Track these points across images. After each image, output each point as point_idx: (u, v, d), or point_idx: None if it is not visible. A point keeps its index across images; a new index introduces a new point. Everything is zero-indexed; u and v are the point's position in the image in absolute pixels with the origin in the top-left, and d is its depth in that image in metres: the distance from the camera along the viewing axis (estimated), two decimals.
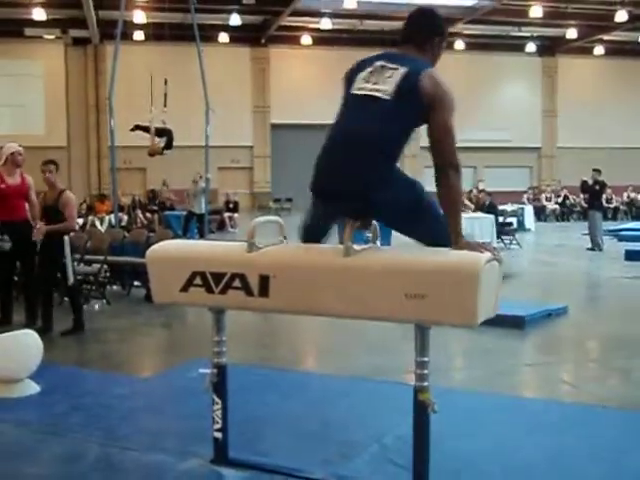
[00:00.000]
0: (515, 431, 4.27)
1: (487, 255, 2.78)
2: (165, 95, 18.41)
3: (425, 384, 2.88)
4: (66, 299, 7.90)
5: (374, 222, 3.12)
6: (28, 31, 25.83)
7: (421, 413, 2.88)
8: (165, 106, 20.03)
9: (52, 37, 26.86)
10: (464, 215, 14.46)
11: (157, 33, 24.94)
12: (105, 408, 4.73)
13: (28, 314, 7.42)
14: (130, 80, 21.62)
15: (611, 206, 25.17)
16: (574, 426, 4.40)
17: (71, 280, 7.25)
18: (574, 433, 4.26)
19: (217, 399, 3.41)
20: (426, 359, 2.90)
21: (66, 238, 7.20)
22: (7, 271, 7.64)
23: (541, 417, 4.57)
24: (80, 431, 4.27)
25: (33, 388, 5.08)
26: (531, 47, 29.61)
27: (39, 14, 23.53)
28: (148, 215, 20.81)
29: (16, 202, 7.39)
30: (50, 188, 7.28)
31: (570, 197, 26.46)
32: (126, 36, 19.46)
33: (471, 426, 4.31)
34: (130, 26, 22.55)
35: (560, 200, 26.56)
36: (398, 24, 19.86)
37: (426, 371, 2.89)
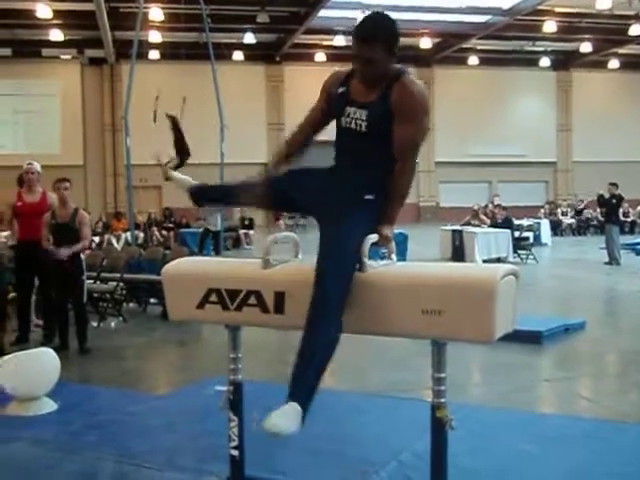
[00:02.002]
0: (533, 447, 4.22)
1: (504, 270, 2.76)
2: (181, 111, 18.54)
3: (442, 400, 2.86)
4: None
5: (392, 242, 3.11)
6: (45, 51, 26.15)
7: (439, 430, 2.86)
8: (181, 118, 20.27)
9: (69, 57, 27.17)
10: (480, 230, 14.35)
11: (172, 52, 25.17)
12: (121, 425, 4.73)
13: (46, 332, 7.45)
14: (146, 98, 21.76)
15: (628, 220, 25.02)
16: (593, 441, 4.35)
17: (85, 298, 7.30)
18: (593, 448, 4.21)
19: (233, 416, 3.40)
20: (443, 375, 2.87)
21: (82, 257, 7.26)
22: (25, 290, 7.69)
23: (559, 432, 4.52)
24: (96, 449, 4.27)
25: (50, 406, 5.09)
26: (545, 61, 29.60)
27: (56, 35, 23.82)
28: (164, 232, 20.89)
29: (34, 221, 7.41)
30: (62, 206, 7.28)
31: (587, 211, 26.31)
32: (142, 55, 19.65)
33: (489, 442, 4.27)
34: (145, 45, 22.75)
35: (581, 207, 26.36)
36: (410, 40, 20.08)
37: (443, 387, 2.87)
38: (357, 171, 3.07)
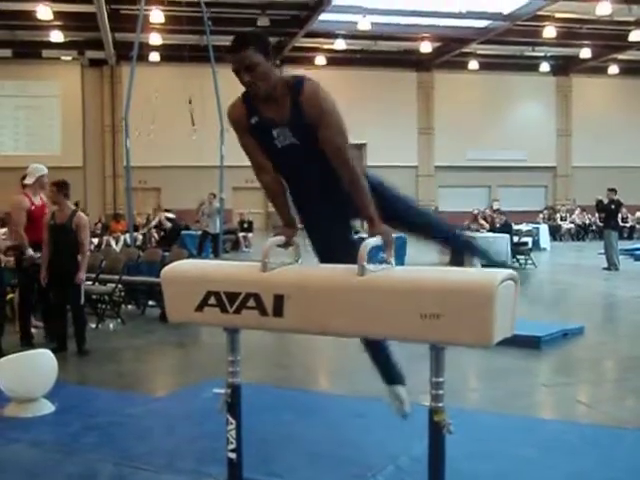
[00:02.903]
0: (531, 452, 4.22)
1: (503, 274, 2.77)
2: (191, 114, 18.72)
3: (440, 405, 2.86)
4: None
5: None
6: (46, 53, 26.15)
7: (436, 434, 2.86)
8: (193, 125, 20.40)
9: (69, 58, 27.18)
10: (479, 234, 14.36)
11: (173, 54, 25.19)
12: (119, 428, 4.73)
13: (46, 334, 7.49)
14: (146, 100, 21.80)
15: (627, 225, 25.03)
16: (591, 447, 4.36)
17: (82, 300, 7.29)
18: (591, 454, 4.21)
19: (231, 419, 3.40)
20: (441, 379, 2.88)
21: (79, 259, 7.26)
22: (26, 291, 7.71)
23: (557, 438, 4.52)
24: (94, 451, 4.27)
25: (48, 407, 5.09)
26: (545, 67, 29.63)
27: (57, 36, 23.83)
28: (162, 234, 20.87)
29: (39, 224, 7.52)
30: (60, 208, 7.32)
31: (585, 216, 26.33)
32: (142, 57, 19.64)
33: (487, 447, 4.27)
34: (146, 48, 22.76)
35: (579, 211, 26.39)
36: (411, 45, 20.12)
37: (441, 392, 2.87)
38: (316, 179, 3.26)
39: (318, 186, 3.27)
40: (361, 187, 3.15)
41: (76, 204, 9.17)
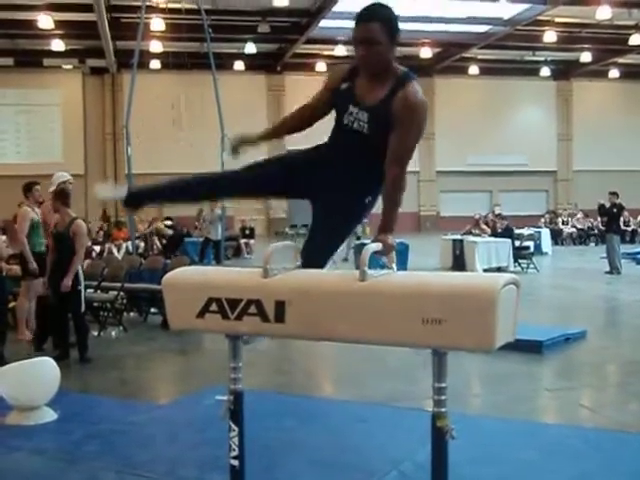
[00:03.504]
0: (534, 456, 4.22)
1: (504, 279, 2.76)
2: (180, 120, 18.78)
3: (443, 410, 2.85)
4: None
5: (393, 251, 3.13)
6: (47, 61, 26.23)
7: (439, 439, 2.85)
8: (180, 128, 20.41)
9: (70, 67, 27.26)
10: (480, 239, 14.34)
11: (173, 62, 25.25)
12: (122, 435, 4.73)
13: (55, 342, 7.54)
14: (147, 108, 21.86)
15: (629, 229, 25.00)
16: (594, 451, 4.35)
17: (83, 308, 7.29)
18: (594, 458, 4.20)
19: (234, 426, 3.39)
20: (444, 385, 2.87)
21: (79, 267, 7.26)
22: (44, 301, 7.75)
23: (560, 442, 4.52)
24: (97, 459, 4.26)
25: (50, 415, 5.09)
26: (545, 71, 29.66)
27: (58, 45, 23.90)
28: (164, 242, 20.88)
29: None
30: (60, 215, 7.37)
31: (587, 220, 26.30)
32: (143, 65, 19.69)
33: (490, 452, 4.26)
34: (147, 55, 22.82)
35: (580, 215, 26.40)
36: (411, 50, 20.18)
37: (444, 397, 2.86)
38: (356, 172, 3.12)
39: (346, 177, 3.14)
40: (399, 201, 3.09)
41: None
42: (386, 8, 3.04)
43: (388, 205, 3.09)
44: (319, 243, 3.25)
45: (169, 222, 20.65)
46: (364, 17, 3.00)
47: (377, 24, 2.96)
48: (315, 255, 3.20)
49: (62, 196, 7.44)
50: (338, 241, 3.33)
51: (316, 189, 3.20)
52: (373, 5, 3.04)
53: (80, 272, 7.32)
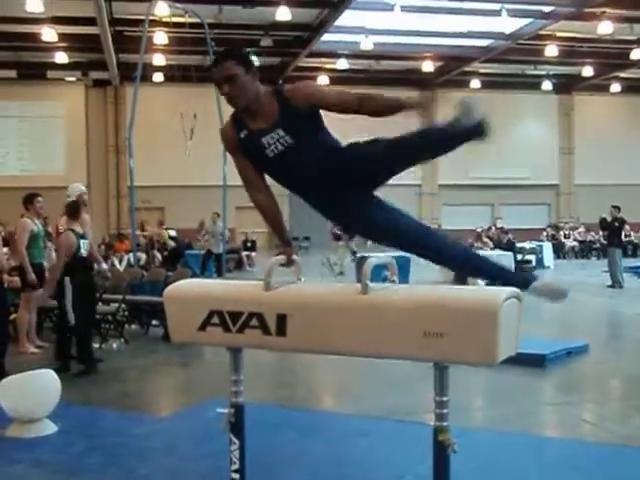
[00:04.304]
0: (536, 471, 4.20)
1: (506, 292, 2.76)
2: (192, 130, 18.85)
3: (445, 424, 2.84)
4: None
5: (394, 263, 3.13)
6: (50, 73, 26.32)
7: (441, 453, 2.84)
8: (191, 139, 20.47)
9: (73, 79, 27.34)
10: (482, 252, 14.35)
11: (176, 75, 25.33)
12: (123, 448, 4.71)
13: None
14: (150, 120, 21.92)
15: (631, 243, 24.98)
16: (596, 465, 4.33)
17: (72, 321, 7.25)
18: (596, 472, 4.19)
19: (235, 439, 3.38)
20: (445, 398, 2.87)
21: (66, 279, 7.23)
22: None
23: (563, 457, 4.50)
24: (98, 471, 4.25)
25: (51, 428, 5.08)
26: (547, 85, 29.72)
27: (61, 57, 24.00)
28: (165, 253, 20.89)
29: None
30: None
31: (589, 233, 26.30)
32: (145, 78, 19.76)
33: (492, 466, 4.25)
34: (150, 68, 22.88)
35: (582, 229, 26.41)
36: (413, 64, 20.16)
37: (445, 410, 2.86)
38: (327, 171, 3.15)
39: (321, 179, 3.18)
40: (391, 98, 3.17)
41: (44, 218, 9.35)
42: (232, 47, 3.28)
43: (394, 104, 3.16)
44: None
45: (173, 232, 20.62)
46: (217, 60, 3.21)
47: (229, 61, 3.14)
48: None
49: (68, 209, 7.55)
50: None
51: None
52: (223, 51, 3.25)
53: (68, 286, 7.27)
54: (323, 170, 3.16)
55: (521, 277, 3.26)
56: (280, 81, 28.39)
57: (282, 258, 3.27)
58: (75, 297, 7.20)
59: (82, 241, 7.38)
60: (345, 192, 3.18)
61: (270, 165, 3.22)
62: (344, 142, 3.27)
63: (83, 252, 7.38)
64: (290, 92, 3.17)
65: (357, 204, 3.20)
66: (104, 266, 8.75)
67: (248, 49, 3.27)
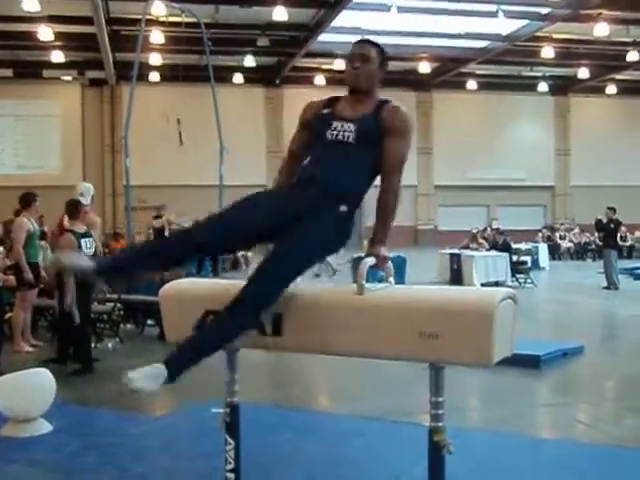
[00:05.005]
0: (531, 472, 4.21)
1: (502, 293, 2.77)
2: (180, 134, 18.74)
3: (440, 424, 2.85)
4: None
5: (390, 263, 3.12)
6: (46, 72, 26.27)
7: (436, 454, 2.85)
8: (182, 144, 20.35)
9: (69, 78, 27.29)
10: (478, 254, 14.31)
11: (173, 74, 25.32)
12: (118, 447, 4.71)
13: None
14: (146, 120, 21.88)
15: (626, 244, 25.03)
16: (590, 466, 4.34)
17: (77, 320, 7.27)
18: (590, 473, 4.20)
19: (230, 439, 3.38)
20: (441, 399, 2.87)
21: (70, 279, 7.23)
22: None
23: (557, 457, 4.51)
24: (93, 471, 4.24)
25: (46, 427, 5.07)
26: (543, 87, 29.77)
27: (57, 56, 23.95)
28: None
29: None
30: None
31: (584, 235, 26.34)
32: (142, 77, 19.74)
33: (487, 467, 4.25)
34: (146, 67, 22.86)
35: (578, 230, 26.49)
36: (410, 65, 20.19)
37: (441, 411, 2.86)
38: (337, 180, 3.07)
39: (326, 189, 3.06)
40: (393, 211, 3.12)
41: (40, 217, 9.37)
42: (381, 45, 3.29)
43: (384, 215, 3.11)
44: (282, 255, 2.99)
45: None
46: (364, 40, 3.30)
47: (375, 48, 3.23)
48: (272, 272, 2.96)
49: (68, 208, 7.58)
50: (302, 260, 3.04)
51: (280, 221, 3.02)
52: (371, 39, 3.33)
53: (71, 284, 7.27)
54: (338, 188, 3.08)
55: None
56: (277, 81, 28.49)
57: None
58: (78, 296, 7.21)
59: (85, 240, 7.38)
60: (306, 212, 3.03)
61: (318, 144, 3.17)
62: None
63: (87, 251, 7.38)
64: (389, 110, 3.15)
65: (300, 228, 3.00)
66: None
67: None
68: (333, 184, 3.07)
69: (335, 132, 3.13)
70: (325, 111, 3.22)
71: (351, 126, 3.11)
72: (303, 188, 3.09)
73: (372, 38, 3.39)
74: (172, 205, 25.93)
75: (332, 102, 3.26)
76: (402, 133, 3.15)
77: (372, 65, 3.18)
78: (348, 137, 3.10)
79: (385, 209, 3.12)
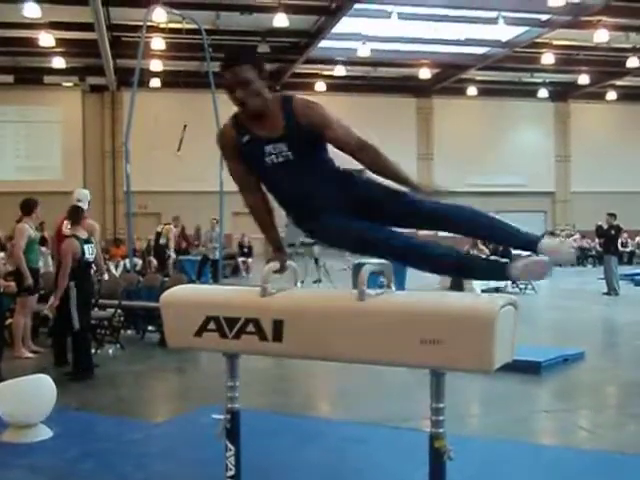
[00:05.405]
0: (532, 478, 4.20)
1: (503, 300, 2.76)
2: (181, 140, 18.73)
3: (441, 431, 2.85)
4: None
5: (390, 269, 3.12)
6: (47, 79, 26.29)
7: (437, 460, 2.84)
8: (178, 150, 20.29)
9: (70, 84, 27.32)
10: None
11: (173, 80, 25.34)
12: (118, 453, 4.70)
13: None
14: (146, 126, 21.91)
15: (627, 250, 25.01)
16: (592, 473, 4.33)
17: (77, 326, 7.25)
18: None
19: (230, 445, 3.38)
20: (442, 405, 2.87)
21: (71, 284, 7.24)
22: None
23: (558, 464, 4.50)
24: (92, 477, 4.24)
25: (46, 433, 5.06)
26: (543, 93, 29.79)
27: (58, 63, 23.97)
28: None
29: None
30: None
31: (585, 241, 26.33)
32: (143, 83, 19.73)
33: (488, 473, 4.24)
34: (147, 74, 22.89)
35: (578, 236, 26.44)
36: (410, 71, 20.20)
37: (442, 417, 2.86)
38: (318, 192, 3.12)
39: (315, 199, 3.15)
40: (392, 164, 3.09)
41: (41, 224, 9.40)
42: (247, 48, 3.15)
43: (388, 173, 3.09)
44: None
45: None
46: (229, 63, 3.09)
47: (243, 64, 3.06)
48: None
49: (70, 214, 7.62)
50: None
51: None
52: (231, 50, 3.17)
53: (73, 291, 7.28)
54: (315, 191, 3.14)
55: (528, 238, 3.07)
56: (277, 87, 28.51)
57: (276, 265, 3.26)
58: (79, 302, 7.21)
59: (87, 246, 7.41)
60: (325, 211, 3.13)
61: (265, 173, 3.20)
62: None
63: (88, 257, 7.42)
64: (298, 107, 3.11)
65: (331, 216, 3.14)
66: (105, 277, 8.89)
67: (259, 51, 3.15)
68: (314, 199, 3.12)
69: (273, 156, 3.12)
70: (245, 139, 3.17)
71: (283, 146, 3.10)
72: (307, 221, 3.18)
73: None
74: (173, 211, 26.00)
75: (241, 125, 3.19)
76: (324, 120, 3.10)
77: (252, 84, 3.07)
78: (287, 156, 3.10)
79: (385, 169, 3.09)
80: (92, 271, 8.03)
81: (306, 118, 3.08)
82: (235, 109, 3.22)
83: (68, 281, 7.21)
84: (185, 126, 21.50)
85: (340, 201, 3.13)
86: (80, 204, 8.12)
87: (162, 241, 18.92)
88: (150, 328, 9.70)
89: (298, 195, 3.16)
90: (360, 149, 3.09)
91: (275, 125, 3.11)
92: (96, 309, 9.12)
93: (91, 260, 7.51)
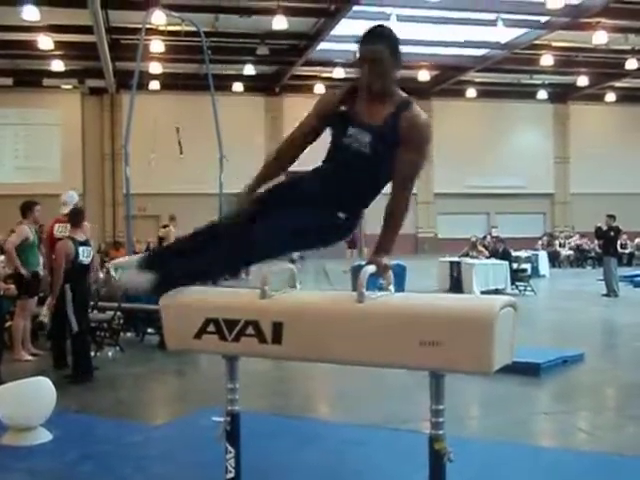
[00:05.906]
0: None
1: (502, 301, 2.77)
2: (179, 143, 18.73)
3: (440, 432, 2.84)
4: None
5: (390, 271, 3.11)
6: (46, 81, 26.32)
7: (437, 462, 2.84)
8: (181, 154, 20.31)
9: (69, 87, 27.36)
10: (478, 261, 14.29)
11: (173, 83, 25.36)
12: (118, 456, 4.70)
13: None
14: (146, 128, 21.91)
15: (626, 252, 25.02)
16: (591, 475, 4.33)
17: (75, 329, 7.25)
18: None
19: (230, 447, 3.38)
20: (441, 407, 2.87)
21: (67, 286, 7.23)
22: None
23: (558, 466, 4.50)
24: (92, 479, 4.23)
25: (46, 436, 5.06)
26: (542, 94, 29.84)
27: (57, 65, 24.01)
28: None
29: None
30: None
31: (584, 242, 26.34)
32: (142, 86, 19.75)
33: (488, 475, 4.24)
34: (146, 76, 22.90)
35: (577, 238, 26.49)
36: (409, 73, 20.25)
37: (441, 419, 2.86)
38: (343, 189, 3.08)
39: (340, 197, 3.10)
40: (401, 222, 3.08)
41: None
42: (390, 31, 3.10)
43: (390, 226, 3.08)
44: (273, 225, 3.08)
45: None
46: (371, 38, 3.05)
47: (383, 45, 3.02)
48: (265, 234, 3.07)
49: (71, 216, 7.64)
50: (289, 239, 3.13)
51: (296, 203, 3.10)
52: (379, 27, 3.11)
53: (68, 293, 7.28)
54: (332, 193, 3.09)
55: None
56: (277, 89, 28.53)
57: (277, 268, 3.24)
58: (75, 304, 7.21)
59: (83, 248, 7.40)
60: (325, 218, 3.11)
61: (335, 149, 3.14)
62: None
63: (84, 259, 7.41)
64: (408, 117, 3.04)
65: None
66: (100, 274, 8.85)
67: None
68: (338, 196, 3.08)
69: (351, 140, 3.06)
70: (341, 109, 3.12)
71: (367, 137, 3.03)
72: (313, 185, 3.11)
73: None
74: (172, 213, 26.00)
75: (349, 97, 3.14)
76: (419, 146, 3.04)
77: (384, 64, 3.03)
78: (365, 147, 3.04)
79: (394, 219, 3.07)
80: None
81: (407, 130, 3.01)
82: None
83: (63, 283, 7.21)
84: (178, 128, 21.48)
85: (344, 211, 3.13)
86: (63, 207, 8.14)
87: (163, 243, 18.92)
88: (150, 330, 9.69)
89: (327, 189, 3.09)
90: (404, 188, 3.07)
91: (377, 115, 3.05)
92: (95, 311, 9.12)
93: (86, 263, 7.47)
